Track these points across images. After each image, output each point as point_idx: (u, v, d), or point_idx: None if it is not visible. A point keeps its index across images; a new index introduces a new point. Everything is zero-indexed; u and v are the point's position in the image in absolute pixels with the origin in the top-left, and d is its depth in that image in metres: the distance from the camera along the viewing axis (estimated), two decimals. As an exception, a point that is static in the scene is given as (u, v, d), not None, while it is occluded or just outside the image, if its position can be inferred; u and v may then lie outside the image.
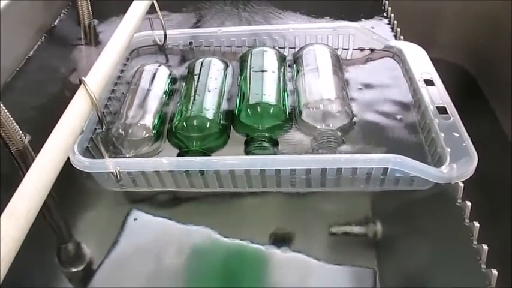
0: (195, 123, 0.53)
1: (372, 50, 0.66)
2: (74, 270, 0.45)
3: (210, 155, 0.51)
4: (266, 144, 0.52)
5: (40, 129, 0.42)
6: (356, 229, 0.47)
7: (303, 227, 0.48)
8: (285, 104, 0.56)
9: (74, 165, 0.47)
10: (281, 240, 0.47)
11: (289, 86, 0.60)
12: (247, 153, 0.52)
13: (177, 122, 0.53)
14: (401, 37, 0.69)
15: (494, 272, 0.39)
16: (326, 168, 0.48)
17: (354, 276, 0.42)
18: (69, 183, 0.46)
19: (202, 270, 0.43)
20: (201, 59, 0.62)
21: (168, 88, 0.60)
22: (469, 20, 1.05)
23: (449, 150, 0.47)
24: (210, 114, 0.53)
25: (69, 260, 0.45)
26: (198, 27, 0.78)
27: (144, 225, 0.47)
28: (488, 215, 0.76)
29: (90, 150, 0.51)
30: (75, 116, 0.38)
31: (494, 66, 1.01)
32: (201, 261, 0.44)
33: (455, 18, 1.07)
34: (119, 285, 0.42)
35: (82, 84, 0.41)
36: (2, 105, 0.49)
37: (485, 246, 0.41)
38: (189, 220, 0.46)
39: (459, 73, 1.10)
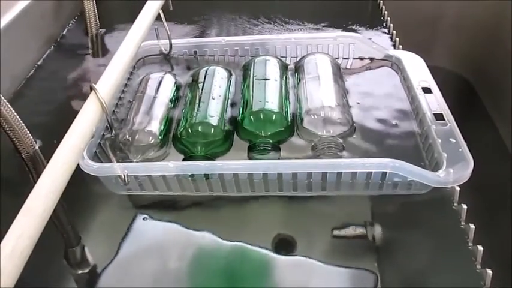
0: (199, 130, 0.54)
1: (371, 59, 0.67)
2: (80, 272, 0.46)
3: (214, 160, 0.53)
4: (268, 150, 0.53)
5: (49, 135, 0.43)
6: (357, 232, 0.48)
7: (305, 230, 0.49)
8: (287, 111, 0.57)
9: (83, 169, 0.48)
10: (284, 243, 0.48)
11: (291, 94, 0.61)
12: (250, 158, 0.53)
13: (182, 128, 0.54)
14: (400, 46, 0.70)
15: (489, 272, 0.40)
16: (326, 173, 0.48)
17: (355, 278, 0.43)
18: (77, 187, 0.48)
19: (206, 272, 0.44)
20: (206, 68, 0.63)
21: (174, 95, 0.61)
22: (467, 29, 1.07)
23: (446, 155, 0.48)
24: (214, 120, 0.55)
25: (76, 262, 0.46)
26: (202, 36, 0.80)
27: (150, 229, 0.48)
28: (487, 219, 0.78)
29: (98, 156, 0.52)
30: (87, 120, 0.39)
31: (491, 73, 1.03)
32: (204, 263, 0.44)
33: (453, 27, 1.09)
34: (124, 287, 0.43)
35: (92, 91, 0.42)
36: (13, 111, 0.50)
37: (480, 247, 0.42)
38: (193, 224, 0.47)
39: (458, 81, 1.11)
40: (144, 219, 0.48)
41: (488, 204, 0.84)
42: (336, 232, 0.48)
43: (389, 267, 0.45)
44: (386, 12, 0.79)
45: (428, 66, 0.62)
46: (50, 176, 0.33)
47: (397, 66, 0.65)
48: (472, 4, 1.05)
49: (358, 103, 0.60)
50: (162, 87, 0.61)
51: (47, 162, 0.35)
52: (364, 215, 0.50)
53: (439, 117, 0.53)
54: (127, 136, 0.53)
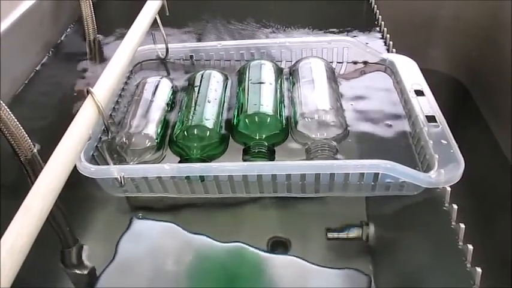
0: (195, 132, 0.55)
1: (365, 63, 0.68)
2: (78, 273, 0.46)
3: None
4: (263, 152, 0.53)
5: (48, 139, 0.44)
6: (351, 232, 0.49)
7: (300, 231, 0.50)
8: (282, 115, 0.58)
9: (81, 172, 0.49)
10: (278, 245, 0.49)
11: (286, 98, 0.62)
12: (245, 161, 0.54)
13: (178, 131, 0.55)
14: (394, 50, 0.71)
15: (478, 270, 0.40)
16: (320, 174, 0.49)
17: (349, 279, 0.43)
18: (75, 189, 0.48)
19: (203, 273, 0.44)
20: (201, 72, 0.64)
21: (170, 99, 0.62)
22: (462, 32, 1.08)
23: (437, 156, 0.49)
24: (209, 123, 0.55)
25: (73, 264, 0.46)
26: (198, 41, 0.80)
27: (147, 230, 0.48)
28: (483, 221, 0.78)
29: (96, 158, 0.53)
30: (83, 123, 0.40)
31: (486, 77, 1.04)
32: (201, 265, 0.45)
33: (448, 30, 1.10)
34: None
35: (89, 95, 0.43)
36: (12, 115, 0.51)
37: (470, 246, 0.42)
38: (188, 226, 0.47)
39: (452, 84, 1.12)
40: (139, 217, 0.48)
41: (484, 207, 0.85)
42: (329, 234, 0.49)
43: (383, 268, 0.46)
44: (380, 16, 0.80)
45: (423, 69, 0.62)
46: (47, 176, 0.34)
47: (390, 69, 0.66)
48: (467, 7, 1.05)
49: (352, 104, 0.61)
50: (159, 91, 0.62)
51: (45, 165, 0.36)
52: (358, 216, 0.50)
53: (431, 119, 0.54)
54: (124, 139, 0.54)
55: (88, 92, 0.44)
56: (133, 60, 0.65)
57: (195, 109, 0.57)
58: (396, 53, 0.69)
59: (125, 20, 0.62)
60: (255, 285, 0.43)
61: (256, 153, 0.54)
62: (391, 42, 0.73)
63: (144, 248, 0.46)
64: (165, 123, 0.58)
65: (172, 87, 0.64)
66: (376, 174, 0.48)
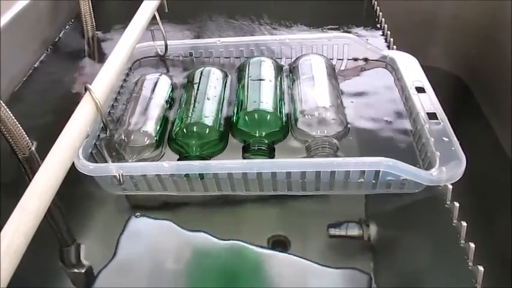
0: (194, 130, 0.54)
1: (365, 60, 0.67)
2: (76, 271, 0.46)
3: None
4: (263, 150, 0.53)
5: (46, 136, 0.43)
6: (352, 231, 0.49)
7: (300, 230, 0.49)
8: (282, 112, 0.58)
9: (79, 169, 0.48)
10: (278, 244, 0.49)
11: (286, 95, 0.61)
12: (244, 158, 0.53)
13: (177, 129, 0.55)
14: (394, 47, 0.71)
15: (481, 268, 0.40)
16: (320, 172, 0.49)
17: (349, 278, 0.43)
18: (73, 187, 0.48)
19: (202, 271, 0.44)
20: (201, 69, 0.64)
21: (169, 96, 0.62)
22: (462, 30, 1.08)
23: (438, 154, 0.48)
24: (209, 121, 0.55)
25: (71, 262, 0.46)
26: (198, 38, 0.80)
27: (146, 229, 0.48)
28: (484, 219, 0.78)
29: (94, 156, 0.53)
30: (81, 120, 0.40)
31: (486, 74, 1.03)
32: (200, 263, 0.44)
33: (449, 28, 1.10)
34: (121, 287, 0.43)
35: (87, 91, 0.43)
36: (10, 112, 0.51)
37: (472, 245, 0.42)
38: (188, 225, 0.47)
39: (453, 81, 1.12)
40: (136, 216, 0.48)
41: (484, 205, 0.84)
42: (331, 232, 0.48)
43: (384, 266, 0.45)
44: (380, 13, 0.80)
45: (423, 66, 0.62)
46: (45, 174, 0.33)
47: (391, 66, 0.65)
48: (466, 6, 1.05)
49: (352, 102, 0.61)
50: (158, 88, 0.62)
51: (43, 163, 0.36)
52: (359, 214, 0.50)
53: (432, 116, 0.54)
54: (122, 136, 0.54)
55: (86, 88, 0.43)
56: (132, 57, 0.64)
57: (194, 106, 0.57)
58: (397, 50, 0.69)
59: (124, 16, 0.61)
60: (255, 284, 0.43)
61: (256, 151, 0.53)
62: (391, 39, 0.72)
63: (143, 246, 0.46)
64: (164, 121, 0.58)
65: (171, 84, 0.64)
66: (377, 172, 0.48)
